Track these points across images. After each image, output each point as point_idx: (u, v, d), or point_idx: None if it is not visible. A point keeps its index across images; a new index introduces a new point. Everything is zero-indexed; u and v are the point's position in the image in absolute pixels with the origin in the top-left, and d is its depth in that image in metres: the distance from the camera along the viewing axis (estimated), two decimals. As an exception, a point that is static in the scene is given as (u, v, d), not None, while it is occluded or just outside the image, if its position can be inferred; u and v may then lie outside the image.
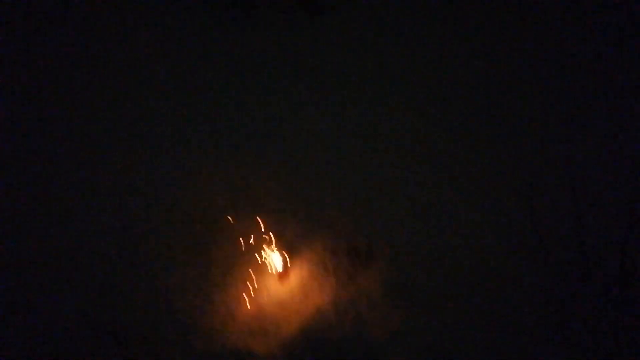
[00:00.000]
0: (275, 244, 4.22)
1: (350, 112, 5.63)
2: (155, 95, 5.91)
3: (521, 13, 6.48)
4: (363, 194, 4.81)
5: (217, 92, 5.97)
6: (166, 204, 4.81)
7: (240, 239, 4.31)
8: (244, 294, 4.12)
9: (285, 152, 5.27)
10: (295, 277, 4.21)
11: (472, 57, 6.06)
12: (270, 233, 4.27)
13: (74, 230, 4.74)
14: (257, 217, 4.36)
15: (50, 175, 5.23)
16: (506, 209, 4.67)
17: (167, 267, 4.33)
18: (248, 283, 4.16)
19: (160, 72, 6.18)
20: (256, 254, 4.24)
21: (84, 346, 3.93)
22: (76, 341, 3.95)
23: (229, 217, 4.44)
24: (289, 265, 4.24)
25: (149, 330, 3.97)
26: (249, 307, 4.06)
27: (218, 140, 5.42)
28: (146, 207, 4.83)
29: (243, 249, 4.32)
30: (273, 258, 4.19)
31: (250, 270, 4.23)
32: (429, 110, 5.59)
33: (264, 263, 4.20)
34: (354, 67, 6.09)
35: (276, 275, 4.21)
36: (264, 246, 4.21)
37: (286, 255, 4.24)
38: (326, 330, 3.88)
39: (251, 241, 4.28)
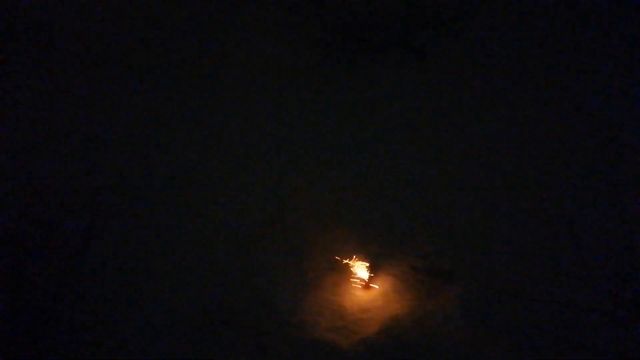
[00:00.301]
0: (363, 258, 4.86)
1: (444, 148, 6.41)
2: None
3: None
4: (448, 220, 5.41)
5: (324, 124, 7.09)
6: (274, 218, 5.72)
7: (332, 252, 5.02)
8: (332, 297, 4.79)
9: (379, 181, 6.05)
10: (379, 287, 4.82)
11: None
12: (358, 249, 4.92)
13: (200, 229, 5.71)
14: (345, 232, 5.03)
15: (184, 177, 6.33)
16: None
17: (270, 270, 5.09)
18: (336, 288, 4.84)
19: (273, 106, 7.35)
20: (345, 264, 4.89)
21: (200, 333, 4.64)
22: (194, 329, 4.68)
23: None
24: (372, 276, 4.87)
25: (252, 320, 4.68)
26: (335, 308, 4.71)
27: (315, 162, 6.27)
28: (260, 219, 5.78)
29: (333, 259, 4.99)
30: (359, 269, 4.83)
31: (338, 277, 4.90)
32: (513, 149, 6.18)
33: (351, 272, 4.85)
34: (452, 105, 6.97)
35: (361, 284, 4.84)
36: (353, 259, 4.85)
37: (371, 267, 4.88)
38: (401, 334, 4.43)
39: (342, 257, 4.92)
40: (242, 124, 7.31)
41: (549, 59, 7.62)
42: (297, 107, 7.47)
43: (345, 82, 8.03)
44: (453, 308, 4.52)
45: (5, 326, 4.59)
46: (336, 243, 5.19)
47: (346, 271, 4.92)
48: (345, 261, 4.90)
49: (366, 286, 4.84)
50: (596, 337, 4.23)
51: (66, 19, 11.03)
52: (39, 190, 6.19)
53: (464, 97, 7.24)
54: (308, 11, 10.25)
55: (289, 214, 5.64)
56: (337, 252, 5.03)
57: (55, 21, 11.17)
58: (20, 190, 6.17)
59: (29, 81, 10.30)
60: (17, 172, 6.48)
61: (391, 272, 4.93)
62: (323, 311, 4.69)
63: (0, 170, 6.50)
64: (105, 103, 8.56)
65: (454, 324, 4.39)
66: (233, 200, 6.08)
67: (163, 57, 9.50)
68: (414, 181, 5.93)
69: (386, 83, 7.81)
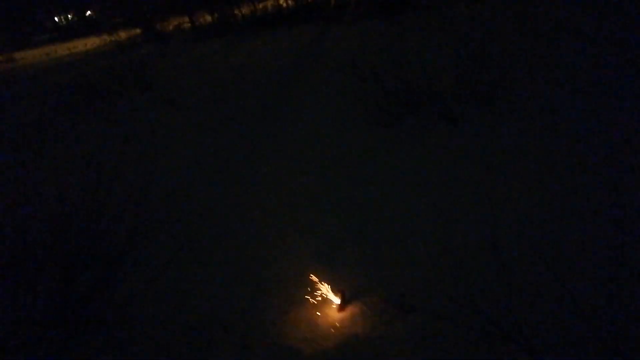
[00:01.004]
0: (341, 288, 5.77)
1: (453, 204, 7.27)
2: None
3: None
4: (427, 267, 6.18)
5: (363, 171, 8.82)
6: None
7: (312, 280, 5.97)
8: (310, 315, 5.71)
9: (382, 226, 7.14)
10: (349, 311, 5.66)
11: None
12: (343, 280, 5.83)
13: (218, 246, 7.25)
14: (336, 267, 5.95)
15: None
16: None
17: (271, 288, 6.33)
18: (315, 308, 5.77)
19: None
20: (320, 290, 5.83)
21: (200, 330, 5.75)
22: (195, 326, 5.81)
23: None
24: (346, 302, 5.73)
25: (243, 325, 5.76)
26: (310, 323, 5.61)
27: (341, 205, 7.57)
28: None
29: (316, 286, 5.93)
30: (330, 295, 5.74)
31: (319, 300, 5.83)
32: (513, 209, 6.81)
33: (325, 297, 5.79)
34: (477, 169, 7.98)
35: (333, 308, 5.72)
36: (327, 287, 5.78)
37: (346, 295, 5.76)
38: (355, 348, 5.13)
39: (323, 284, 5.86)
40: (297, 161, 9.84)
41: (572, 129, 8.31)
42: (344, 154, 9.67)
43: (387, 138, 9.55)
44: (404, 333, 5.20)
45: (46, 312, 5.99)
46: (326, 275, 6.10)
47: (326, 295, 5.83)
48: (324, 288, 5.82)
49: (339, 309, 5.70)
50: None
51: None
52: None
53: (487, 160, 8.05)
54: (370, 81, 12.17)
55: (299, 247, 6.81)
56: (327, 282, 5.92)
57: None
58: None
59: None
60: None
61: (363, 300, 5.76)
62: (300, 325, 5.62)
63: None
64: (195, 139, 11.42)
65: (400, 345, 5.07)
66: (254, 226, 7.63)
67: (250, 101, 13.02)
68: (412, 232, 6.76)
69: (421, 142, 9.05)
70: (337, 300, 5.74)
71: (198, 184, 9.88)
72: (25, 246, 6.09)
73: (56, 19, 59.99)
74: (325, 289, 5.82)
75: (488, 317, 4.88)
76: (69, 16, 59.47)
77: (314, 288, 5.90)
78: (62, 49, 46.05)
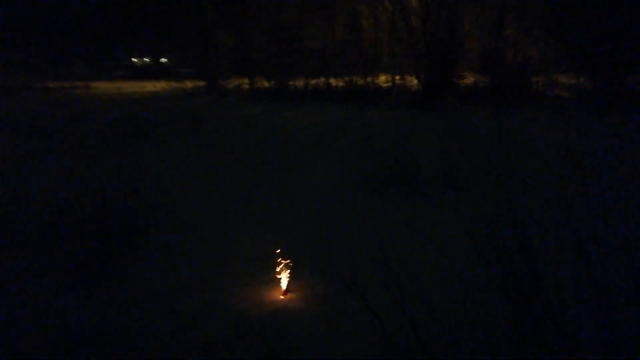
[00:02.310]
0: (287, 272, 7.39)
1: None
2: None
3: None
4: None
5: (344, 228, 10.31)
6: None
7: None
8: (259, 292, 7.54)
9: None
10: (293, 295, 7.33)
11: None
12: (284, 263, 7.32)
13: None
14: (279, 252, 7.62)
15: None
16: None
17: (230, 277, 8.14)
18: (264, 287, 7.65)
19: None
20: (278, 275, 7.47)
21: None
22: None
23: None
24: (290, 287, 7.51)
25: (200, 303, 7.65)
26: (257, 298, 7.31)
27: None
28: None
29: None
30: (282, 279, 7.65)
31: (263, 285, 7.65)
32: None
33: (277, 281, 7.65)
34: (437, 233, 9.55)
35: (281, 291, 7.60)
36: (281, 271, 7.51)
37: (290, 280, 7.36)
38: (281, 322, 6.71)
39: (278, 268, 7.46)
40: (293, 201, 11.72)
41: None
42: (333, 205, 11.42)
43: (371, 200, 11.53)
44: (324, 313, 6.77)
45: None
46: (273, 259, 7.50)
47: (275, 281, 7.45)
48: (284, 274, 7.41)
49: (284, 293, 7.47)
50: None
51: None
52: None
53: (446, 229, 9.86)
54: (363, 156, 14.58)
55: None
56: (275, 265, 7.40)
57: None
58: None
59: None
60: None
61: (308, 287, 7.41)
62: (248, 299, 7.24)
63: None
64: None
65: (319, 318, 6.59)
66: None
67: (278, 153, 15.97)
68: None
69: (397, 207, 11.04)
70: (285, 284, 7.50)
71: (209, 198, 12.30)
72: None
73: (133, 59, 66.20)
74: (284, 275, 7.40)
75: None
76: (145, 59, 65.63)
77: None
78: (132, 87, 51.04)
